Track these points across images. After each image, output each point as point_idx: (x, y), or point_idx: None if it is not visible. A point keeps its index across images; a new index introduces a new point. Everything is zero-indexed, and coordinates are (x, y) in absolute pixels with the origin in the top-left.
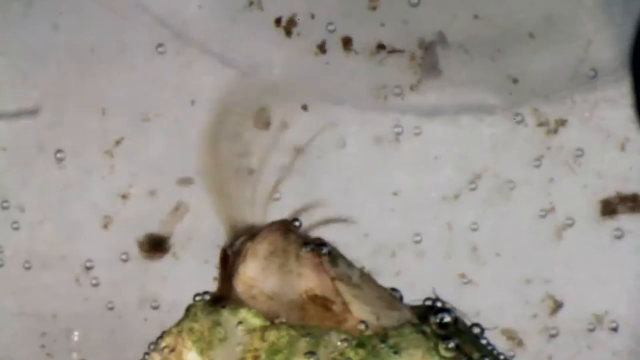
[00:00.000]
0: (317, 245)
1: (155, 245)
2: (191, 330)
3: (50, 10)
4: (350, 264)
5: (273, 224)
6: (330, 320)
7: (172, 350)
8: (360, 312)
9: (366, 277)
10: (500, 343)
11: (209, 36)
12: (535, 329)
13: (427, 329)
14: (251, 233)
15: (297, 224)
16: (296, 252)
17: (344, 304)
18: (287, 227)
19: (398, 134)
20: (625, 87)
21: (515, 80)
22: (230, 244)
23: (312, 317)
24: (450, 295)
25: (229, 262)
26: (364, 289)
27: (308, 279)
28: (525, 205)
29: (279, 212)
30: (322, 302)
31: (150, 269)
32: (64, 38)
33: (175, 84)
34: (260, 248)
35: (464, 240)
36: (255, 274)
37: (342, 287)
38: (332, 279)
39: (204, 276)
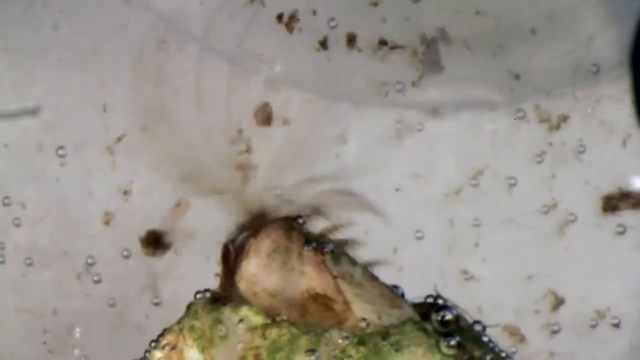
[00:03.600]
0: (320, 243)
1: (157, 242)
2: (192, 327)
3: (51, 8)
4: (352, 262)
5: (276, 221)
6: (331, 319)
7: (173, 347)
8: (362, 311)
9: (368, 275)
10: (502, 339)
11: (211, 33)
12: (537, 325)
13: (429, 327)
14: (254, 229)
15: (300, 221)
16: (299, 250)
17: (346, 302)
18: (290, 225)
19: (400, 130)
20: (627, 84)
21: (517, 76)
22: (232, 239)
23: (313, 315)
24: (452, 292)
25: (230, 258)
26: (366, 287)
27: (310, 278)
28: (527, 201)
29: (278, 208)
30: (323, 301)
31: (151, 265)
32: (64, 36)
33: (177, 80)
34: (263, 245)
35: (465, 237)
36: (257, 270)
37: (343, 286)
38: (334, 277)
39: (205, 273)
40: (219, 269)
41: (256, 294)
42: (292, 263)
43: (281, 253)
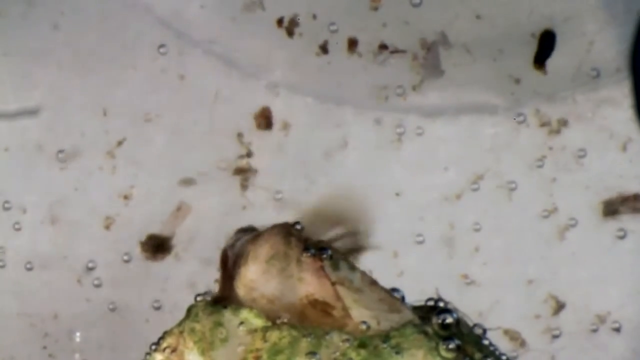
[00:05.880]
0: (318, 249)
1: (157, 246)
2: (193, 330)
3: (51, 10)
4: (352, 267)
5: (275, 227)
6: (330, 325)
7: (174, 350)
8: (361, 316)
9: (367, 280)
10: (502, 344)
11: (211, 36)
12: (537, 330)
13: (429, 330)
14: (253, 235)
15: (298, 227)
16: (297, 256)
17: (345, 309)
18: (288, 231)
19: (400, 134)
20: (627, 88)
21: (517, 81)
22: (232, 245)
23: (312, 322)
24: (453, 297)
25: (229, 264)
26: (365, 293)
27: (308, 284)
28: (528, 205)
29: (279, 212)
30: (322, 308)
31: (151, 269)
32: (64, 38)
33: (177, 84)
34: (262, 251)
35: (466, 241)
36: (256, 277)
37: (342, 292)
38: (333, 283)
39: (205, 278)
40: (218, 273)
41: (255, 300)
42: (290, 269)
43: (280, 259)
